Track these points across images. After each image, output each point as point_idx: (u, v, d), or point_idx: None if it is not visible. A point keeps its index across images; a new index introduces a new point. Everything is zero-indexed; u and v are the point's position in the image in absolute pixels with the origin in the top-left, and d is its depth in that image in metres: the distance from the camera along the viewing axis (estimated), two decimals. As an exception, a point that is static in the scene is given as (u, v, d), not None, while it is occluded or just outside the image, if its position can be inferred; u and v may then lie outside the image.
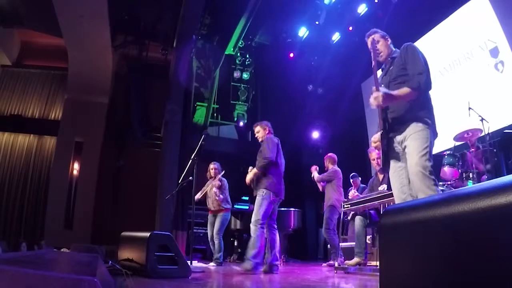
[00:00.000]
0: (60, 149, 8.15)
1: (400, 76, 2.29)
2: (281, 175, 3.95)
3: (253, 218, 3.71)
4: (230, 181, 5.66)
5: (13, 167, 8.12)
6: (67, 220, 7.81)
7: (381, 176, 4.32)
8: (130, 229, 3.43)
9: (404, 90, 2.17)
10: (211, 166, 5.47)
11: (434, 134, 2.19)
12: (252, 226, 3.69)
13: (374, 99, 2.17)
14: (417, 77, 2.18)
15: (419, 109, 2.19)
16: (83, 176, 8.22)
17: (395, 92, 2.18)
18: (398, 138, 2.25)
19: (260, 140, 4.10)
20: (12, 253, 4.16)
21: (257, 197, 3.78)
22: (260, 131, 4.12)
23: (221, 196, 5.25)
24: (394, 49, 2.51)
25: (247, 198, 7.53)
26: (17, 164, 8.18)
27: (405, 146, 2.20)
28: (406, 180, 2.21)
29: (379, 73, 2.55)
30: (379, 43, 2.49)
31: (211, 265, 5.03)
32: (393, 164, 2.30)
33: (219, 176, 5.32)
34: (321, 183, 5.48)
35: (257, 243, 3.65)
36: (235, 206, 6.82)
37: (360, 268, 3.85)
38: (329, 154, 5.67)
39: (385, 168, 2.34)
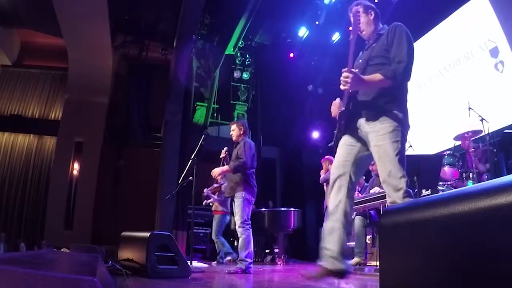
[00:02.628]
0: (60, 149, 8.15)
1: (380, 57, 2.10)
2: (255, 179, 3.98)
3: (239, 220, 3.72)
4: (229, 181, 5.69)
5: (13, 167, 8.13)
6: (67, 220, 7.81)
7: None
8: (130, 229, 3.43)
9: (377, 76, 1.98)
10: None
11: (406, 127, 2.01)
12: (239, 229, 3.72)
13: (344, 80, 1.98)
14: (395, 65, 2.00)
15: (390, 99, 2.01)
16: (83, 176, 8.22)
17: (366, 77, 2.00)
18: (364, 124, 2.06)
19: (234, 138, 4.08)
20: (12, 253, 4.16)
21: (237, 200, 3.79)
22: (235, 130, 4.07)
23: (215, 197, 5.53)
24: (381, 25, 2.28)
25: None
26: (17, 164, 8.18)
27: (371, 139, 2.02)
28: (351, 158, 2.08)
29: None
30: (360, 19, 2.24)
31: (228, 259, 5.35)
32: (348, 138, 2.14)
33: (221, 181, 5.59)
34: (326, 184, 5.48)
35: (248, 244, 3.70)
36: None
37: (360, 268, 3.85)
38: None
39: (336, 144, 2.19)
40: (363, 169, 2.20)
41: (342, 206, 2.01)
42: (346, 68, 2.01)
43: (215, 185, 5.76)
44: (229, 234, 7.17)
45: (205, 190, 5.80)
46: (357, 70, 2.09)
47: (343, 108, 2.16)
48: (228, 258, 5.37)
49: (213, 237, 5.53)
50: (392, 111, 1.98)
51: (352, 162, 2.08)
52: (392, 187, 1.91)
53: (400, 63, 1.99)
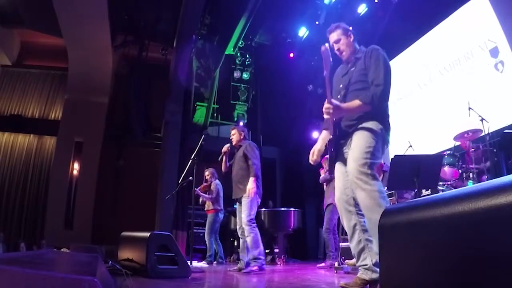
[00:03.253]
0: (60, 149, 8.15)
1: (360, 82, 2.20)
2: (261, 180, 4.08)
3: (246, 219, 3.78)
4: (230, 181, 5.72)
5: (13, 167, 8.13)
6: (67, 220, 7.81)
7: (380, 177, 4.32)
8: (130, 229, 3.43)
9: (355, 103, 2.09)
10: (206, 172, 5.96)
11: (383, 141, 2.12)
12: (246, 227, 3.77)
13: (325, 111, 2.10)
14: (373, 88, 2.09)
15: (370, 118, 2.11)
16: (83, 176, 8.22)
17: (345, 105, 2.12)
18: (346, 144, 2.21)
19: (234, 143, 4.19)
20: (12, 253, 4.16)
21: (244, 199, 3.87)
22: (236, 135, 4.20)
23: (206, 196, 5.66)
24: (358, 47, 2.37)
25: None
26: (17, 164, 8.18)
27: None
28: (349, 184, 2.17)
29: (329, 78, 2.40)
30: (340, 41, 2.33)
31: (204, 263, 5.40)
32: (338, 166, 2.27)
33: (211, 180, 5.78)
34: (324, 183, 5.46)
35: (257, 242, 3.77)
36: (235, 206, 6.83)
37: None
38: (326, 156, 5.65)
39: (331, 171, 2.32)
40: None
41: (359, 226, 2.11)
42: (326, 100, 2.12)
43: (205, 183, 5.84)
44: (230, 234, 7.18)
45: (196, 189, 5.83)
46: (338, 96, 2.26)
47: (331, 136, 2.28)
48: (204, 262, 5.43)
49: (206, 236, 5.58)
50: (371, 127, 2.09)
51: (350, 188, 2.17)
52: (355, 171, 2.03)
53: (378, 86, 2.08)
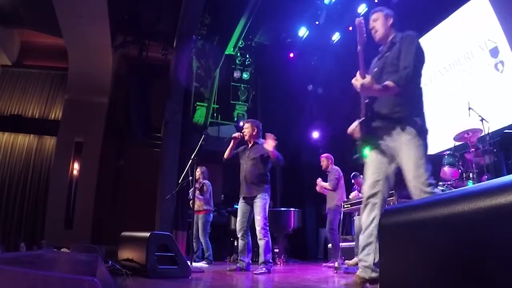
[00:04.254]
0: (60, 149, 8.14)
1: (393, 65, 2.21)
2: None
3: (261, 222, 3.72)
4: (230, 181, 5.73)
5: (13, 167, 8.12)
6: (67, 220, 7.81)
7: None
8: (130, 229, 3.43)
9: (387, 84, 2.09)
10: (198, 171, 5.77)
11: (425, 131, 2.12)
12: (262, 230, 3.73)
13: (355, 83, 2.12)
14: (402, 71, 2.11)
15: (407, 105, 2.13)
16: (83, 176, 8.21)
17: (375, 86, 2.10)
18: (387, 138, 2.17)
19: (246, 138, 4.03)
20: (12, 253, 4.16)
21: (259, 201, 3.80)
22: (248, 129, 4.03)
23: (200, 196, 5.53)
24: (395, 33, 2.36)
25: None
26: (17, 164, 8.17)
27: (396, 152, 2.13)
28: (381, 176, 2.17)
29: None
30: (377, 20, 2.37)
31: (203, 263, 5.29)
32: (375, 155, 2.22)
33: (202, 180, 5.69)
34: (325, 190, 5.40)
35: (270, 246, 3.78)
36: (235, 206, 6.84)
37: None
38: (326, 154, 5.62)
39: (358, 153, 2.31)
40: (393, 181, 2.27)
41: (376, 221, 2.11)
42: (358, 72, 2.13)
43: (197, 185, 5.70)
44: (230, 234, 7.18)
45: (190, 191, 5.76)
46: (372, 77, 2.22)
47: (363, 118, 2.24)
48: (204, 262, 5.39)
49: (201, 237, 5.51)
50: (411, 118, 2.09)
51: (383, 180, 2.17)
52: (418, 190, 1.99)
53: (405, 68, 2.10)
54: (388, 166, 2.18)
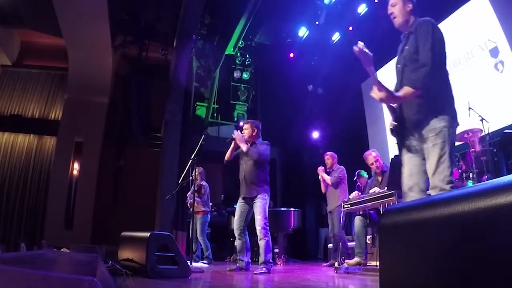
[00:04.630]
0: (60, 149, 8.14)
1: (412, 61, 2.12)
2: None
3: (262, 222, 3.73)
4: (230, 181, 5.73)
5: (13, 167, 8.12)
6: (67, 220, 7.81)
7: (380, 178, 4.32)
8: (130, 229, 3.43)
9: (406, 91, 2.03)
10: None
11: (454, 124, 2.06)
12: (262, 230, 3.74)
13: (374, 96, 2.09)
14: (420, 71, 2.01)
15: (429, 105, 2.04)
16: (83, 176, 8.21)
17: (397, 94, 2.05)
18: (415, 132, 2.14)
19: (246, 137, 4.03)
20: (12, 253, 4.16)
21: (259, 201, 3.82)
22: (248, 129, 4.05)
23: (198, 199, 5.48)
24: (414, 18, 2.26)
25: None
26: (17, 164, 8.17)
27: (423, 144, 2.11)
28: (416, 170, 2.16)
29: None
30: (395, 6, 2.24)
31: (203, 262, 5.32)
32: (405, 153, 2.22)
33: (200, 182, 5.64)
34: (325, 183, 5.36)
35: (270, 246, 3.78)
36: (235, 206, 6.84)
37: (360, 268, 3.85)
38: (331, 153, 5.53)
39: (399, 158, 2.29)
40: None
41: None
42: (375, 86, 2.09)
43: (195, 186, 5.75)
44: (230, 234, 7.18)
45: (188, 195, 5.79)
46: (397, 76, 2.23)
47: (395, 123, 2.23)
48: (205, 262, 5.41)
49: (199, 237, 5.53)
50: (441, 109, 2.04)
51: (418, 174, 2.15)
52: (438, 188, 1.98)
53: (424, 66, 2.01)
54: (420, 162, 2.16)
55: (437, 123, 2.02)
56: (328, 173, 5.34)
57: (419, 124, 2.09)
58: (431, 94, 2.05)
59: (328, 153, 5.51)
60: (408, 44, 2.20)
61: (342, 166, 5.32)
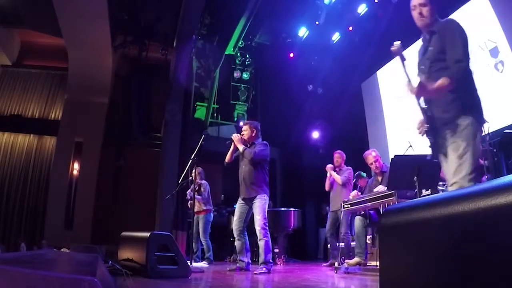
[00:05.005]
0: (60, 149, 8.14)
1: (438, 61, 2.16)
2: None
3: (261, 222, 3.75)
4: (230, 181, 5.73)
5: (13, 167, 8.12)
6: (67, 220, 7.81)
7: (380, 178, 4.32)
8: (130, 229, 3.43)
9: (441, 82, 2.04)
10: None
11: (480, 121, 2.09)
12: (262, 230, 3.75)
13: (408, 92, 2.12)
14: (455, 67, 2.06)
15: (462, 97, 2.08)
16: (83, 176, 8.21)
17: (431, 87, 2.07)
18: (444, 130, 2.16)
19: (245, 138, 4.05)
20: (12, 253, 4.16)
21: (258, 201, 3.83)
22: (247, 131, 4.05)
23: (198, 197, 5.48)
24: (434, 18, 2.27)
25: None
26: (17, 164, 8.17)
27: (450, 141, 2.13)
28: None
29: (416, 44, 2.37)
30: (426, 6, 2.24)
31: (204, 263, 5.32)
32: (440, 152, 2.24)
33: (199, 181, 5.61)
34: (331, 181, 5.26)
35: (270, 246, 3.80)
36: (235, 206, 6.84)
37: (360, 268, 3.85)
38: (341, 151, 5.42)
39: (433, 156, 2.29)
40: None
41: None
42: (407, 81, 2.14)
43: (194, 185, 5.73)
44: (229, 234, 7.18)
45: (187, 192, 5.77)
46: (422, 77, 2.25)
47: (427, 125, 2.24)
48: (204, 262, 5.41)
49: (201, 238, 5.51)
50: (469, 107, 2.07)
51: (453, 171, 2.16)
52: (457, 184, 1.99)
53: (459, 62, 2.06)
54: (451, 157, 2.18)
55: (463, 121, 2.05)
56: (335, 172, 5.30)
57: (447, 122, 2.11)
58: (461, 90, 2.09)
59: (338, 151, 5.43)
60: (432, 44, 2.23)
61: (350, 167, 5.28)
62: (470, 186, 1.95)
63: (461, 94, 2.09)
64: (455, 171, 2.02)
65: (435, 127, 2.20)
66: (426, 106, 2.25)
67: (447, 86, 2.04)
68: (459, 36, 2.10)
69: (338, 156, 5.35)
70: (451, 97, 2.09)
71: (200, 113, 9.42)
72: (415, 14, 2.29)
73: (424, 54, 2.32)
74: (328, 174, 5.29)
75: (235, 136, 3.98)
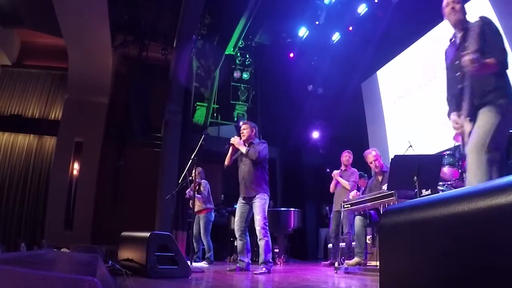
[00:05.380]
0: (60, 149, 8.14)
1: (478, 52, 2.16)
2: None
3: (261, 221, 3.75)
4: (230, 181, 5.73)
5: (13, 167, 8.12)
6: (67, 220, 7.81)
7: (380, 177, 4.32)
8: (130, 229, 3.43)
9: (491, 60, 2.10)
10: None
11: (508, 111, 2.12)
12: (262, 230, 3.76)
13: (469, 61, 2.07)
14: (499, 53, 2.15)
15: (501, 95, 2.14)
16: (83, 176, 8.21)
17: (487, 60, 2.10)
18: (481, 107, 2.20)
19: (244, 138, 4.08)
20: (12, 253, 4.16)
21: (258, 201, 3.84)
22: (247, 130, 4.11)
23: (198, 195, 5.47)
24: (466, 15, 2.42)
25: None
26: (17, 164, 8.17)
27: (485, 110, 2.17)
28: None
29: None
30: (459, 4, 2.44)
31: (204, 263, 5.31)
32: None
33: (199, 180, 5.58)
34: (336, 183, 5.30)
35: (270, 246, 3.81)
36: (235, 206, 6.84)
37: (360, 268, 3.85)
38: (350, 151, 5.45)
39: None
40: None
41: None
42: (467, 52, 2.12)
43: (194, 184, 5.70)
44: (229, 234, 7.18)
45: (187, 191, 5.76)
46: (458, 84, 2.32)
47: (469, 119, 2.27)
48: (205, 262, 5.39)
49: (202, 237, 5.49)
50: (500, 95, 2.13)
51: None
52: (473, 152, 2.06)
53: (503, 50, 2.17)
54: None
55: (498, 100, 2.12)
56: (341, 171, 5.34)
57: (485, 98, 2.15)
58: (502, 75, 2.17)
59: (348, 150, 5.47)
60: (466, 40, 2.31)
61: (355, 169, 5.33)
62: (487, 158, 1.97)
63: (504, 81, 2.17)
64: (475, 138, 2.07)
65: (473, 106, 2.22)
66: (458, 91, 2.28)
67: (494, 66, 2.10)
68: (497, 29, 2.26)
69: (347, 154, 5.39)
70: (493, 79, 2.15)
71: (200, 113, 9.42)
72: (448, 10, 2.44)
73: (457, 51, 2.40)
74: (334, 180, 5.35)
75: (235, 139, 4.02)
